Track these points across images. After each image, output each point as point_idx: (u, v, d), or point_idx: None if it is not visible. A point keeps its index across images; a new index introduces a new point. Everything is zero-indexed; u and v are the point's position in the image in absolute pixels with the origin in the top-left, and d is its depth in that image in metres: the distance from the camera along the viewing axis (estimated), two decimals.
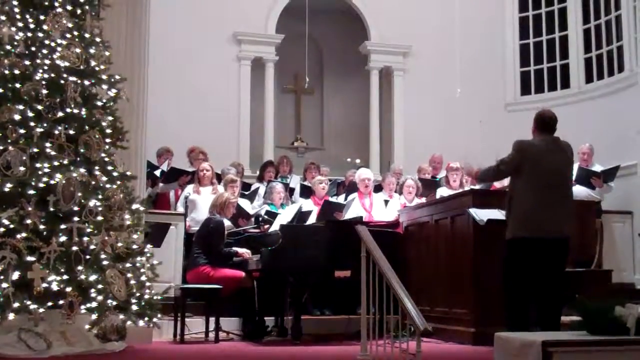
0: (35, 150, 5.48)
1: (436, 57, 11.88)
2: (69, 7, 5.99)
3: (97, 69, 6.00)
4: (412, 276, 6.93)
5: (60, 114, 5.68)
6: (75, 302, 5.17)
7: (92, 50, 6.00)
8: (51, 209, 5.39)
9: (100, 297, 5.31)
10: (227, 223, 7.67)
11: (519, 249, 5.35)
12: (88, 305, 5.30)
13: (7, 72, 5.62)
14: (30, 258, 5.17)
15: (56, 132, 5.61)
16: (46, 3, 5.91)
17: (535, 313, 5.37)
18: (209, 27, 11.25)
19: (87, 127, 5.77)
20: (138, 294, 5.64)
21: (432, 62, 11.94)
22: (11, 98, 5.57)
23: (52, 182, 5.41)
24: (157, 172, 8.57)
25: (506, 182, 6.09)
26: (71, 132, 5.70)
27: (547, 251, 5.31)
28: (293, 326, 6.56)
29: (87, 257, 5.39)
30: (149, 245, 6.05)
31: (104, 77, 6.05)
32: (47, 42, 5.79)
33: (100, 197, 5.66)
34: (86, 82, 5.90)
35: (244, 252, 6.95)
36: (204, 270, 6.75)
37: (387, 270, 4.82)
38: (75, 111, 5.72)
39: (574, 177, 8.93)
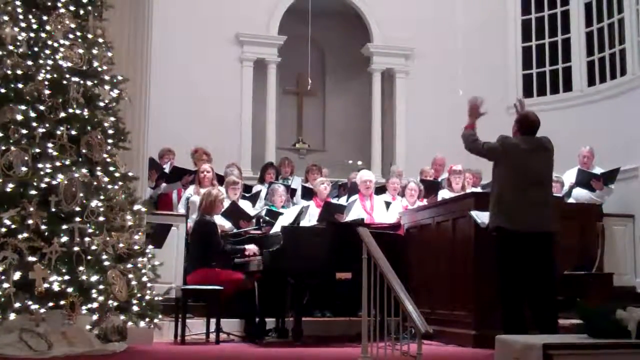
0: (37, 150, 5.48)
1: (438, 59, 11.88)
2: (71, 8, 5.99)
3: (99, 69, 6.01)
4: (413, 278, 6.93)
5: (62, 114, 5.68)
6: (76, 303, 5.17)
7: (94, 51, 6.00)
8: (53, 210, 5.39)
9: (101, 298, 5.30)
10: (227, 225, 7.69)
11: (503, 241, 5.40)
12: (89, 305, 5.29)
13: (9, 72, 5.61)
14: (31, 258, 5.17)
15: (58, 132, 5.60)
16: (49, 4, 5.92)
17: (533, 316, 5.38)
18: (212, 28, 11.26)
19: (89, 128, 5.76)
20: (139, 295, 5.65)
21: (434, 64, 11.93)
22: (13, 98, 5.57)
23: (54, 182, 5.41)
24: (166, 169, 8.61)
25: None
26: (73, 132, 5.70)
27: (529, 245, 5.33)
28: (294, 328, 6.57)
29: (89, 257, 5.38)
30: (150, 246, 6.05)
31: (107, 77, 6.05)
32: (49, 42, 5.80)
33: (102, 197, 5.66)
34: (89, 83, 5.90)
35: (251, 247, 6.93)
36: (203, 273, 6.74)
37: (388, 272, 4.82)
38: (78, 112, 5.72)
39: (574, 180, 9.00)
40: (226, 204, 7.60)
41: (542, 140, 5.59)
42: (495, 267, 5.52)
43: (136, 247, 5.79)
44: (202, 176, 8.29)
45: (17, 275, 5.07)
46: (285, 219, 7.36)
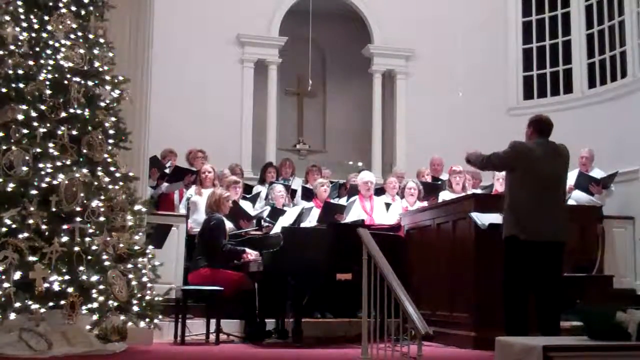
0: (38, 150, 5.48)
1: (439, 60, 11.88)
2: (73, 8, 6.00)
3: (100, 69, 6.01)
4: (413, 280, 6.93)
5: (63, 114, 5.68)
6: (76, 303, 5.17)
7: (95, 51, 6.01)
8: (53, 209, 5.39)
9: (101, 298, 5.31)
10: (229, 225, 7.69)
11: (516, 249, 5.37)
12: (89, 305, 5.30)
13: (11, 72, 5.62)
14: (32, 258, 5.17)
15: (59, 132, 5.61)
16: (50, 4, 5.93)
17: (535, 318, 5.37)
18: (212, 29, 11.26)
19: (90, 128, 5.77)
20: (139, 295, 5.65)
21: (434, 65, 11.93)
22: (15, 98, 5.57)
23: (54, 182, 5.41)
24: (167, 170, 8.61)
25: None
26: (74, 132, 5.70)
27: (542, 254, 5.32)
28: (294, 329, 6.56)
29: (89, 257, 5.38)
30: (150, 247, 6.05)
31: (108, 77, 6.06)
32: (51, 42, 5.80)
33: (102, 197, 5.66)
34: (89, 83, 5.91)
35: (250, 252, 6.93)
36: (205, 273, 6.75)
37: (388, 273, 4.83)
38: (79, 112, 5.73)
39: (573, 183, 8.99)
40: None
41: (558, 146, 5.54)
42: (496, 268, 5.52)
43: (136, 248, 5.80)
44: (203, 177, 8.29)
45: (17, 275, 5.07)
46: (286, 219, 7.37)
